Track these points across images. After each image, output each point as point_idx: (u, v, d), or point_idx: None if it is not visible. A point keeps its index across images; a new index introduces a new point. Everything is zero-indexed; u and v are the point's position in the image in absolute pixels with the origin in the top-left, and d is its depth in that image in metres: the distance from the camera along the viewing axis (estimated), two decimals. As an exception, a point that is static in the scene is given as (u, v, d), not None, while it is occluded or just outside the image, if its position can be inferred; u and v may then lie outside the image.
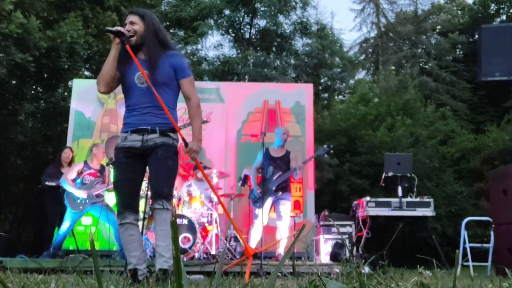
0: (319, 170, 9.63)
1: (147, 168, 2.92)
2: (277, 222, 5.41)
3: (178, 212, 5.28)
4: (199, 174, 5.79)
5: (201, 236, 5.27)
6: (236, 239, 5.56)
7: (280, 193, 5.37)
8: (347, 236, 5.99)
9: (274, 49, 13.09)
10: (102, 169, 5.56)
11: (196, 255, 5.16)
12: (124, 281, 2.08)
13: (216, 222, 5.51)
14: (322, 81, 13.09)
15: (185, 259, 4.89)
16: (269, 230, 5.78)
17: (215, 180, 5.74)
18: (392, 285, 1.40)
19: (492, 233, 4.76)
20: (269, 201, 5.36)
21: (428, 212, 5.86)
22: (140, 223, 3.13)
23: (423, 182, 10.13)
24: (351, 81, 16.14)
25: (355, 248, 5.62)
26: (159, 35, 2.89)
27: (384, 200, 6.05)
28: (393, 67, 17.96)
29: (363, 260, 3.17)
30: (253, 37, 13.42)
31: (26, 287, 1.91)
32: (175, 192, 5.42)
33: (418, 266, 1.77)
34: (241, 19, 13.29)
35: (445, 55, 17.69)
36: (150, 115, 2.83)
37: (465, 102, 16.23)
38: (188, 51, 12.96)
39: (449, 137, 12.88)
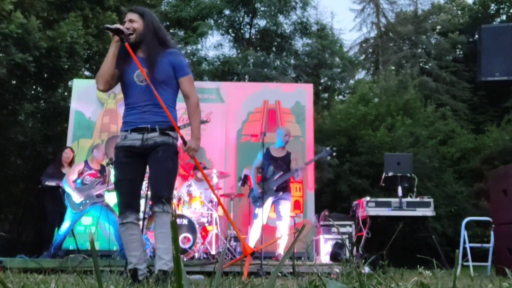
0: (319, 170, 9.64)
1: (147, 167, 2.91)
2: (277, 222, 5.42)
3: (178, 212, 5.28)
4: (199, 174, 5.79)
5: (201, 236, 5.27)
6: (236, 239, 5.56)
7: (281, 193, 5.38)
8: (347, 236, 5.99)
9: (274, 49, 13.09)
10: (102, 169, 5.56)
11: (196, 255, 5.16)
12: (124, 281, 2.08)
13: (216, 222, 5.51)
14: (322, 81, 13.09)
15: (185, 259, 4.89)
16: (269, 230, 5.78)
17: (215, 180, 5.74)
18: (392, 285, 1.40)
19: (492, 233, 4.76)
20: (269, 200, 5.37)
21: (428, 212, 5.86)
22: (140, 223, 3.13)
23: (423, 182, 10.13)
24: (351, 81, 16.14)
25: (355, 248, 5.62)
26: (158, 33, 2.89)
27: (384, 200, 6.05)
28: (393, 67, 17.96)
29: (363, 260, 3.17)
30: (253, 37, 13.42)
31: (26, 287, 1.91)
32: (175, 192, 5.42)
33: (418, 266, 1.77)
34: (241, 19, 13.29)
35: (445, 55, 17.69)
36: (150, 113, 2.82)
37: (465, 102, 16.23)
38: (188, 51, 12.96)
39: (449, 137, 12.88)
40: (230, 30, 13.42)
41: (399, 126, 11.57)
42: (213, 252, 5.27)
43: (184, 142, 2.87)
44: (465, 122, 15.14)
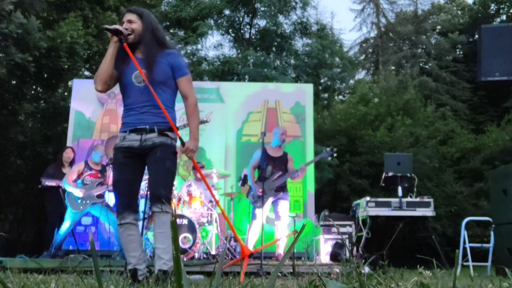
0: (319, 170, 9.63)
1: (146, 167, 2.91)
2: (276, 222, 5.40)
3: (178, 212, 5.28)
4: (199, 174, 5.78)
5: (201, 236, 5.27)
6: (236, 239, 5.55)
7: (281, 193, 5.37)
8: (347, 236, 5.98)
9: (274, 49, 13.08)
10: (103, 170, 5.56)
11: (196, 255, 5.16)
12: (124, 281, 2.08)
13: (216, 222, 5.51)
14: (322, 81, 13.09)
15: (185, 259, 4.89)
16: (268, 230, 5.78)
17: (215, 180, 5.73)
18: (392, 285, 1.40)
19: (492, 233, 4.76)
20: (269, 201, 5.37)
21: (428, 212, 5.86)
22: (140, 223, 3.12)
23: (423, 182, 10.13)
24: (351, 81, 16.14)
25: (355, 248, 5.62)
26: (157, 34, 2.88)
27: (384, 200, 6.05)
28: (393, 67, 17.96)
29: (363, 260, 3.17)
30: (253, 37, 13.42)
31: (26, 287, 1.91)
32: (175, 192, 5.42)
33: (418, 266, 1.77)
34: (241, 19, 13.29)
35: (445, 55, 17.70)
36: (148, 114, 2.82)
37: (465, 102, 16.23)
38: (188, 51, 12.95)
39: (449, 137, 12.89)
40: (230, 30, 13.41)
41: (399, 126, 11.57)
42: (213, 252, 5.27)
43: (182, 143, 2.86)
44: (465, 122, 15.14)
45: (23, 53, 7.63)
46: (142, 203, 4.93)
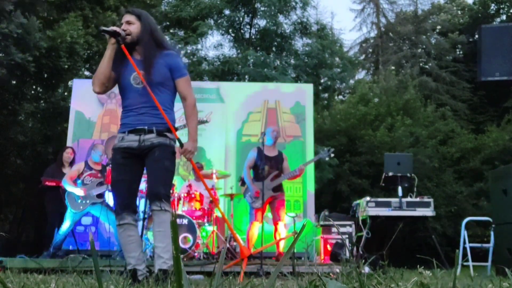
0: (319, 170, 9.63)
1: (145, 168, 2.91)
2: (275, 222, 5.38)
3: (178, 212, 5.28)
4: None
5: (201, 236, 5.26)
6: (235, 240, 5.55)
7: (279, 193, 5.36)
8: (347, 236, 5.98)
9: (274, 49, 13.08)
10: (103, 170, 5.56)
11: (196, 255, 5.16)
12: (124, 281, 2.08)
13: (216, 222, 5.51)
14: (322, 81, 13.08)
15: (185, 259, 4.89)
16: (267, 230, 5.77)
17: (215, 180, 5.73)
18: (392, 285, 1.40)
19: (492, 233, 4.76)
20: (267, 201, 5.35)
21: (428, 212, 5.86)
22: (140, 224, 3.12)
23: (423, 182, 10.14)
24: (351, 81, 16.15)
25: (355, 248, 5.62)
26: (155, 35, 2.88)
27: (384, 200, 6.05)
28: (393, 67, 17.97)
29: (363, 260, 3.17)
30: (253, 37, 13.42)
31: (26, 287, 1.91)
32: (175, 192, 5.42)
33: (418, 266, 1.77)
34: (241, 19, 13.29)
35: (445, 55, 17.71)
36: (147, 115, 2.82)
37: (465, 102, 16.23)
38: (188, 51, 12.96)
39: (449, 137, 12.89)
40: (230, 30, 13.41)
41: (399, 126, 11.57)
42: (213, 252, 5.26)
43: (181, 145, 2.86)
44: (465, 122, 15.15)
45: (23, 53, 7.64)
46: (142, 203, 4.93)
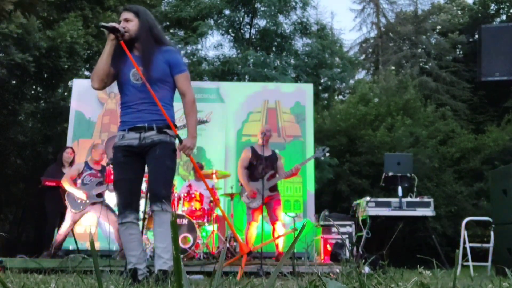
0: (319, 170, 9.63)
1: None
2: (272, 222, 5.36)
3: (178, 212, 5.28)
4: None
5: (201, 236, 5.26)
6: (236, 239, 5.55)
7: (275, 193, 5.34)
8: (347, 236, 5.98)
9: (274, 49, 13.08)
10: (103, 170, 5.55)
11: (196, 255, 5.16)
12: (124, 281, 2.08)
13: (216, 222, 5.51)
14: (322, 81, 13.09)
15: (185, 259, 4.89)
16: (266, 230, 5.77)
17: (214, 180, 5.73)
18: (392, 285, 1.40)
19: (492, 233, 4.76)
20: (263, 201, 5.33)
21: (428, 212, 5.86)
22: (140, 223, 3.12)
23: (423, 182, 10.14)
24: (351, 81, 16.15)
25: (355, 248, 5.62)
26: (154, 31, 2.87)
27: (384, 200, 6.05)
28: (393, 67, 17.97)
29: (363, 260, 3.17)
30: (253, 37, 13.42)
31: (26, 287, 1.91)
32: (175, 192, 5.41)
33: (418, 266, 1.77)
34: (241, 19, 13.29)
35: (445, 55, 17.71)
36: (146, 111, 2.81)
37: (465, 102, 16.24)
38: (188, 51, 12.96)
39: (449, 137, 12.89)
40: (230, 30, 13.42)
41: (399, 126, 11.57)
42: (213, 252, 5.26)
43: (180, 141, 2.85)
44: (465, 122, 15.15)
45: (23, 53, 7.64)
46: (142, 203, 4.93)
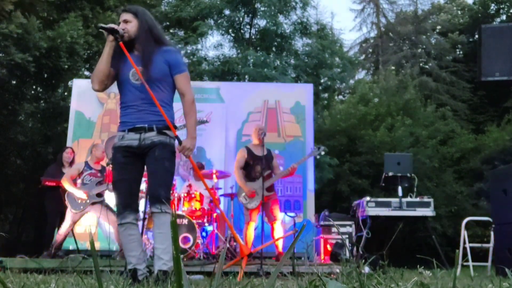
0: (319, 170, 9.63)
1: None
2: (271, 222, 5.35)
3: (178, 212, 5.28)
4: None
5: (201, 236, 5.26)
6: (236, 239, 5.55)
7: (272, 193, 5.33)
8: (347, 236, 5.98)
9: (274, 49, 13.08)
10: (102, 169, 5.55)
11: (196, 255, 5.16)
12: (124, 281, 2.08)
13: (216, 222, 5.51)
14: (322, 81, 13.08)
15: (185, 259, 4.89)
16: (265, 231, 5.77)
17: (214, 180, 5.73)
18: (392, 285, 1.40)
19: (492, 233, 4.76)
20: (264, 199, 5.32)
21: (428, 212, 5.86)
22: (140, 223, 3.12)
23: (423, 182, 10.13)
24: (351, 81, 16.15)
25: (355, 248, 5.62)
26: (153, 31, 2.87)
27: (384, 200, 6.05)
28: (393, 67, 17.97)
29: (363, 260, 3.17)
30: (253, 37, 13.41)
31: (26, 287, 1.91)
32: (175, 193, 5.41)
33: (418, 266, 1.77)
34: (241, 19, 13.28)
35: (445, 55, 17.71)
36: (146, 112, 2.80)
37: (465, 102, 16.24)
38: (188, 51, 12.96)
39: (449, 137, 12.90)
40: (230, 30, 13.41)
41: (399, 126, 11.58)
42: (213, 252, 5.26)
43: (179, 142, 2.84)
44: (465, 122, 15.15)
45: (23, 53, 7.64)
46: (141, 204, 4.93)
